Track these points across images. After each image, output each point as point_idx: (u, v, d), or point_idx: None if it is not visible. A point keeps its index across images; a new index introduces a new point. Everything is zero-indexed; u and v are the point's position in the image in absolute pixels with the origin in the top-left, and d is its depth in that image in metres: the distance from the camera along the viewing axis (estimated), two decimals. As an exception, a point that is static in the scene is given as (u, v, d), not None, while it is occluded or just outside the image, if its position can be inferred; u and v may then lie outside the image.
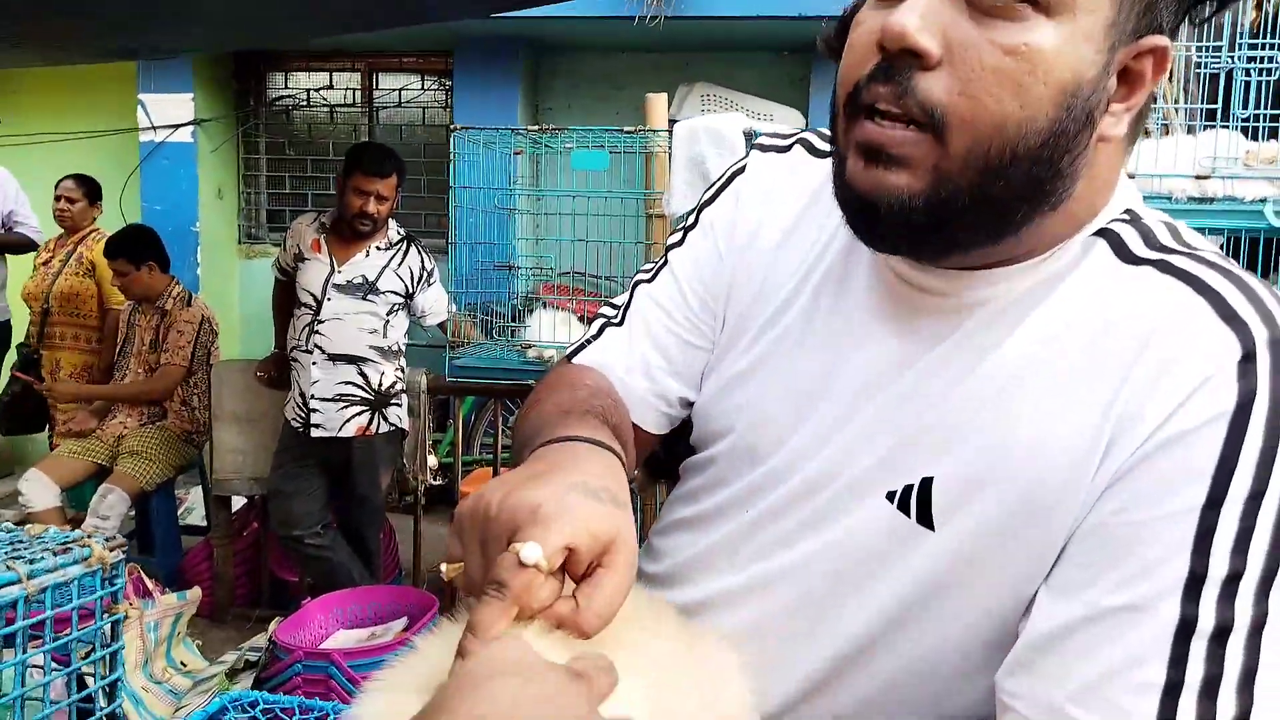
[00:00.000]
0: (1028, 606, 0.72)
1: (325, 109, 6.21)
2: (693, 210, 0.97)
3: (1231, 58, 2.26)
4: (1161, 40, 0.69)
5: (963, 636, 0.75)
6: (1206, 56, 2.25)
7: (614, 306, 0.97)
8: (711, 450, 0.90)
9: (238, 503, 4.20)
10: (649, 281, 0.95)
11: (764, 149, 0.94)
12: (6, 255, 4.92)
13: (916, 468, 0.74)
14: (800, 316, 0.86)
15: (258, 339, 3.82)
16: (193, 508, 4.90)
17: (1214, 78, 2.27)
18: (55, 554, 1.09)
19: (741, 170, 0.94)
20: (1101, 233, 0.75)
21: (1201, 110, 2.29)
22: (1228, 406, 0.65)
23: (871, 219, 0.71)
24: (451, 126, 2.64)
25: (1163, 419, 0.66)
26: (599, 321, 0.97)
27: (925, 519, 0.74)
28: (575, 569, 0.61)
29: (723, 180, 0.96)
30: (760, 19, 4.81)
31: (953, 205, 0.68)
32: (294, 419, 3.61)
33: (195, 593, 3.19)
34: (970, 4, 0.66)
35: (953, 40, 0.66)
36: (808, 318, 0.86)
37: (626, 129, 2.51)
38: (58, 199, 4.59)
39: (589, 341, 0.96)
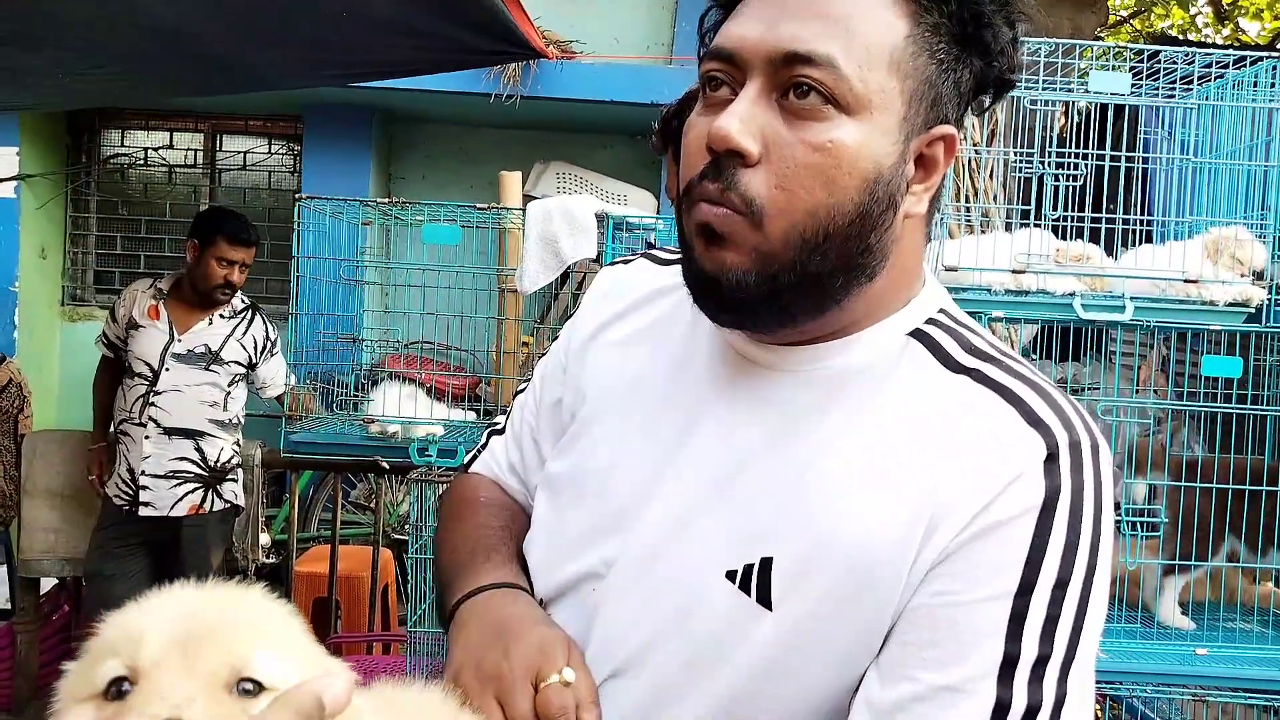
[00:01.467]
0: (857, 685, 0.74)
1: (164, 169, 5.97)
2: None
3: (1042, 163, 2.46)
4: (949, 129, 0.78)
5: (801, 718, 0.76)
6: (1020, 160, 2.45)
7: (503, 416, 1.10)
8: (559, 508, 0.92)
9: (47, 584, 3.88)
10: (522, 392, 1.07)
11: (612, 264, 1.06)
12: None
13: (756, 548, 0.77)
14: (644, 397, 0.89)
15: (78, 407, 3.57)
16: (-6, 589, 4.49)
17: (1027, 180, 2.47)
18: None
19: (593, 286, 1.04)
20: (918, 335, 0.81)
21: (1017, 210, 2.48)
22: (1036, 501, 0.71)
23: (714, 293, 0.77)
24: (297, 195, 2.58)
25: (978, 509, 0.71)
26: (487, 432, 1.10)
27: (764, 599, 0.75)
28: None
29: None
30: (614, 104, 4.94)
31: (780, 280, 0.75)
32: (118, 496, 3.39)
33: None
34: (784, 108, 0.74)
35: (769, 140, 0.73)
36: (650, 397, 0.89)
37: (480, 205, 2.52)
38: None
39: (479, 451, 1.09)
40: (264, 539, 3.97)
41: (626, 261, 1.03)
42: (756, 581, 0.76)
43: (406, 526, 4.33)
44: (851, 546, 0.74)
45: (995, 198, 2.73)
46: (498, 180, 3.08)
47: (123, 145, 5.96)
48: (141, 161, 5.95)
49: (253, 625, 0.57)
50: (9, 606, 4.02)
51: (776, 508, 0.77)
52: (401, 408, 2.57)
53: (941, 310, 0.84)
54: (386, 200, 2.67)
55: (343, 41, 2.61)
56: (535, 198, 3.86)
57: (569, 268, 2.54)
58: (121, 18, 2.26)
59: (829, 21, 0.73)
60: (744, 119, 0.73)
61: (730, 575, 0.77)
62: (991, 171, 3.24)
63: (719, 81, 0.77)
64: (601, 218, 2.36)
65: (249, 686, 0.54)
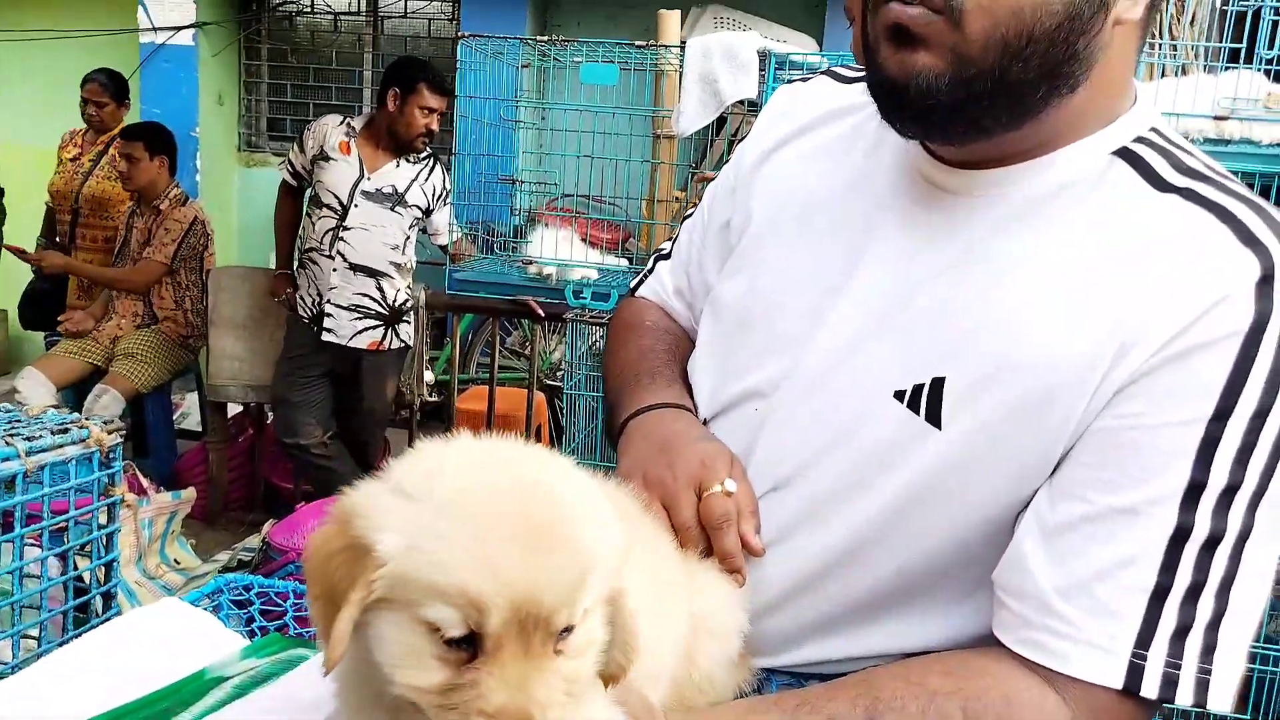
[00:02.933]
0: (1025, 505, 0.73)
1: (329, 16, 6.07)
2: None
3: (1260, -4, 2.20)
4: None
5: (960, 535, 0.76)
6: (1235, -6, 2.19)
7: (669, 242, 1.12)
8: (726, 331, 0.93)
9: (233, 409, 4.21)
10: (690, 217, 1.08)
11: (790, 82, 1.02)
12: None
13: (928, 367, 0.75)
14: (816, 219, 0.87)
15: (255, 247, 3.79)
16: (188, 412, 4.91)
17: (1240, 16, 2.22)
18: (53, 434, 1.09)
19: (769, 104, 1.01)
20: (1124, 154, 0.75)
21: (1225, 50, 2.24)
22: (1243, 325, 0.66)
23: (900, 99, 0.73)
24: (459, 35, 2.58)
25: (1177, 331, 0.67)
26: (654, 257, 1.12)
27: (934, 418, 0.74)
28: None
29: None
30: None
31: (974, 86, 0.70)
32: (305, 315, 3.59)
33: (190, 492, 3.22)
34: None
35: None
36: (823, 219, 0.87)
37: (638, 44, 2.46)
38: (85, 100, 4.47)
39: (646, 276, 1.11)
40: (428, 377, 4.18)
41: (806, 79, 0.99)
42: (927, 401, 0.75)
43: (558, 374, 4.47)
44: (1033, 365, 0.71)
45: (1203, 33, 2.46)
46: (653, 24, 2.99)
47: (289, -6, 6.07)
48: (308, 9, 6.06)
49: (583, 579, 0.55)
50: (201, 428, 4.40)
51: (952, 330, 0.75)
52: (558, 250, 2.60)
53: (1153, 129, 0.78)
54: (546, 39, 2.64)
55: None
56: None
57: (726, 112, 2.47)
58: None
59: None
60: None
61: (899, 395, 0.76)
62: (1193, 18, 2.93)
63: None
64: (764, 55, 2.26)
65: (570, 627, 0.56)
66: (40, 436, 1.07)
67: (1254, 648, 2.12)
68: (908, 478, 0.76)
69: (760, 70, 2.30)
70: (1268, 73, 2.16)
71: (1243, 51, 2.19)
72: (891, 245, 0.81)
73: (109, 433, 1.13)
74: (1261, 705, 2.18)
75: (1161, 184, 0.73)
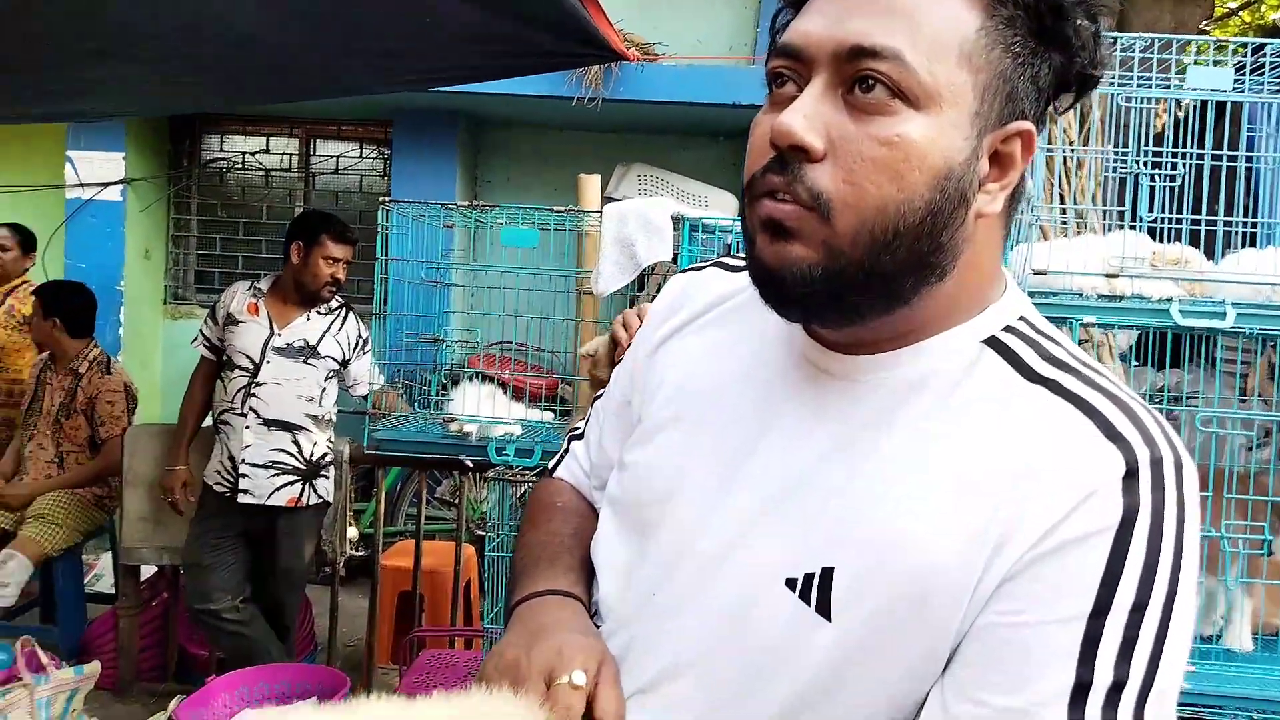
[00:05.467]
0: (920, 707, 0.72)
1: (260, 173, 6.16)
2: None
3: (1137, 162, 2.36)
4: (1027, 125, 0.75)
5: None
6: (1115, 160, 2.35)
7: (583, 422, 1.13)
8: (623, 515, 0.93)
9: (147, 571, 4.04)
10: (600, 399, 1.09)
11: (684, 271, 1.06)
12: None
13: (818, 556, 0.75)
14: (711, 407, 0.88)
15: (178, 402, 3.71)
16: (102, 574, 4.71)
17: (1122, 181, 2.37)
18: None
19: (663, 292, 1.04)
20: (993, 343, 0.78)
21: (1112, 211, 2.39)
22: (1113, 520, 0.67)
23: (779, 288, 0.76)
24: (382, 200, 2.64)
25: (1050, 526, 0.68)
26: (569, 437, 1.14)
27: (824, 609, 0.74)
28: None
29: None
30: (696, 105, 4.93)
31: (846, 276, 0.73)
32: (218, 484, 3.51)
33: (93, 667, 3.05)
34: (850, 104, 0.72)
35: (835, 136, 0.72)
36: (722, 395, 0.88)
37: (557, 208, 2.54)
38: None
39: (563, 457, 1.13)
40: (352, 533, 4.07)
41: (699, 269, 1.03)
42: (817, 591, 0.75)
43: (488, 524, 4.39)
44: (912, 561, 0.72)
45: (1093, 198, 2.63)
46: (587, 166, 3.09)
47: (221, 150, 6.17)
48: (239, 165, 6.16)
49: None
50: (113, 592, 4.20)
51: (838, 519, 0.76)
52: (480, 407, 2.60)
53: (1022, 318, 0.81)
54: (467, 204, 2.71)
55: (424, 48, 2.65)
56: (617, 199, 3.87)
57: (647, 270, 2.54)
58: (208, 30, 2.33)
59: (895, 15, 0.71)
60: (808, 115, 0.72)
61: (790, 584, 0.76)
62: (1087, 171, 3.14)
63: (784, 78, 0.76)
64: (678, 220, 2.35)
65: None
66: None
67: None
68: (803, 671, 0.75)
69: (676, 232, 2.38)
70: (1151, 232, 2.30)
71: (1127, 213, 2.33)
72: (782, 430, 0.82)
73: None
74: None
75: (1030, 374, 0.76)
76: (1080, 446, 0.70)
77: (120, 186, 5.73)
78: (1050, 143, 2.61)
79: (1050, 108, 0.79)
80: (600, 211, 2.46)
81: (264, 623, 3.55)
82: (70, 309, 4.01)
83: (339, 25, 2.41)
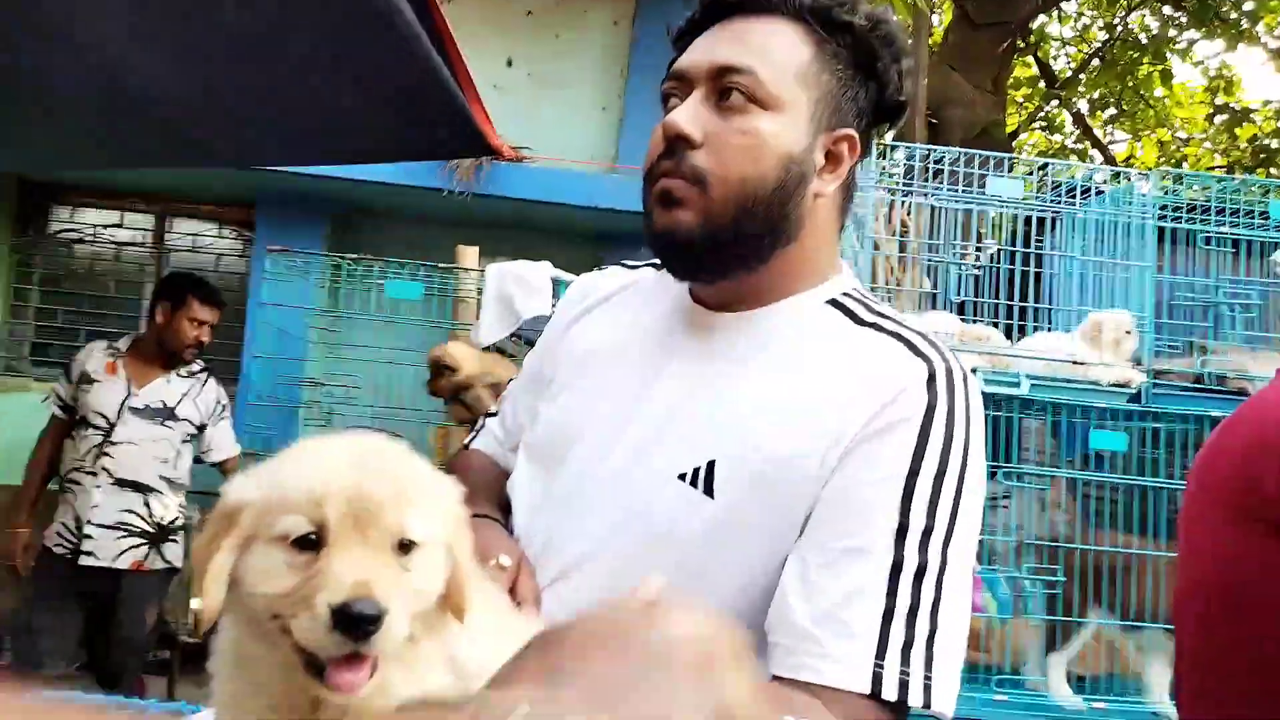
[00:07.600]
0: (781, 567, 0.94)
1: (111, 246, 6.05)
2: None
3: (949, 253, 2.78)
4: (850, 131, 1.04)
5: (744, 591, 0.94)
6: (926, 250, 2.76)
7: (496, 404, 1.34)
8: (539, 449, 1.12)
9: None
10: (514, 381, 1.31)
11: (588, 274, 1.30)
12: None
13: (704, 453, 0.98)
14: (617, 354, 1.10)
15: (7, 472, 3.57)
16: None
17: (931, 269, 2.78)
18: None
19: (572, 285, 1.28)
20: (833, 303, 1.05)
21: (924, 294, 2.78)
22: (920, 409, 0.93)
23: (669, 248, 1.02)
24: (270, 249, 2.75)
25: (873, 413, 0.93)
26: (485, 415, 1.34)
27: (709, 490, 0.95)
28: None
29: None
30: (561, 205, 5.20)
31: (720, 235, 0.99)
32: (59, 546, 3.39)
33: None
34: (719, 108, 1.00)
35: (709, 130, 0.99)
36: (622, 354, 1.10)
37: (441, 265, 2.72)
38: None
39: (477, 433, 1.33)
40: (195, 604, 3.94)
41: (603, 269, 1.27)
42: (704, 478, 0.96)
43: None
44: (772, 451, 0.95)
45: (919, 284, 3.04)
46: (449, 251, 3.27)
47: (71, 221, 6.04)
48: (90, 238, 6.03)
49: (409, 495, 0.69)
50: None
51: (717, 429, 0.99)
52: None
53: (854, 289, 1.08)
54: (352, 257, 2.85)
55: (306, 125, 2.69)
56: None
57: (521, 329, 2.74)
58: (92, 77, 2.27)
59: (751, 46, 1.00)
60: (690, 115, 0.99)
61: (681, 477, 0.97)
62: (904, 263, 3.60)
63: (672, 96, 1.03)
64: (556, 282, 2.58)
65: (405, 542, 0.68)
66: None
67: None
68: (690, 543, 0.95)
69: (554, 292, 2.60)
70: (960, 310, 2.70)
71: (939, 296, 2.73)
72: (670, 373, 1.05)
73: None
74: None
75: (860, 320, 1.03)
76: (894, 359, 0.97)
77: (-43, 252, 5.51)
78: (877, 248, 3.02)
79: (875, 130, 1.08)
80: (481, 271, 2.66)
81: (99, 693, 3.39)
82: None
83: (224, 90, 2.38)
